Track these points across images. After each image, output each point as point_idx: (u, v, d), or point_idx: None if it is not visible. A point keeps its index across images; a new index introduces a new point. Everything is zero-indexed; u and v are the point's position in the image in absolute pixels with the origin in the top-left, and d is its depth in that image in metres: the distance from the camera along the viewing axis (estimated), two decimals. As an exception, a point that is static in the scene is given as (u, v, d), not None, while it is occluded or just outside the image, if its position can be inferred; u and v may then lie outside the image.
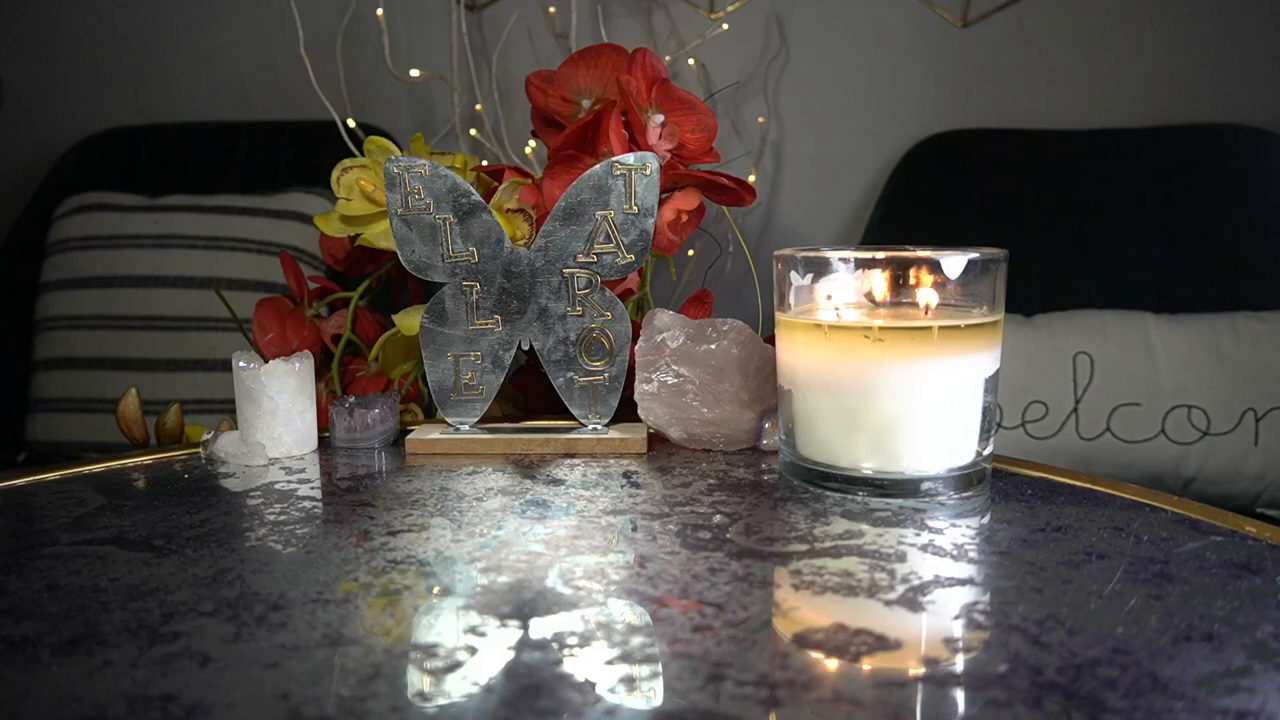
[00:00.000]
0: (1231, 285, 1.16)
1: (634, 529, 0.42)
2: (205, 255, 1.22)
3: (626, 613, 0.34)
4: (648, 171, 0.54)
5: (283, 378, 0.55)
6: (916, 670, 0.29)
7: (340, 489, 0.50)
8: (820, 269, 0.47)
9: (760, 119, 1.40)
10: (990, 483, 0.49)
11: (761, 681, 0.29)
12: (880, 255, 0.46)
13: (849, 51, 1.39)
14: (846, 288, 0.47)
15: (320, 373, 0.66)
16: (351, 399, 0.58)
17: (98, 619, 0.33)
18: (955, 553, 0.39)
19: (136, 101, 1.49)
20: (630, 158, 0.54)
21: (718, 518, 0.43)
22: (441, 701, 0.28)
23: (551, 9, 1.36)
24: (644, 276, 0.68)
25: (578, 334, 0.56)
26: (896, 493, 0.46)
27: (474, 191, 0.55)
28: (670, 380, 0.55)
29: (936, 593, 0.35)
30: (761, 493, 0.47)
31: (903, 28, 1.37)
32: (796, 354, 0.48)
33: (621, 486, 0.49)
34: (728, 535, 0.41)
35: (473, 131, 1.35)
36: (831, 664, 0.30)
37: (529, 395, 0.73)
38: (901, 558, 0.38)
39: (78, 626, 0.33)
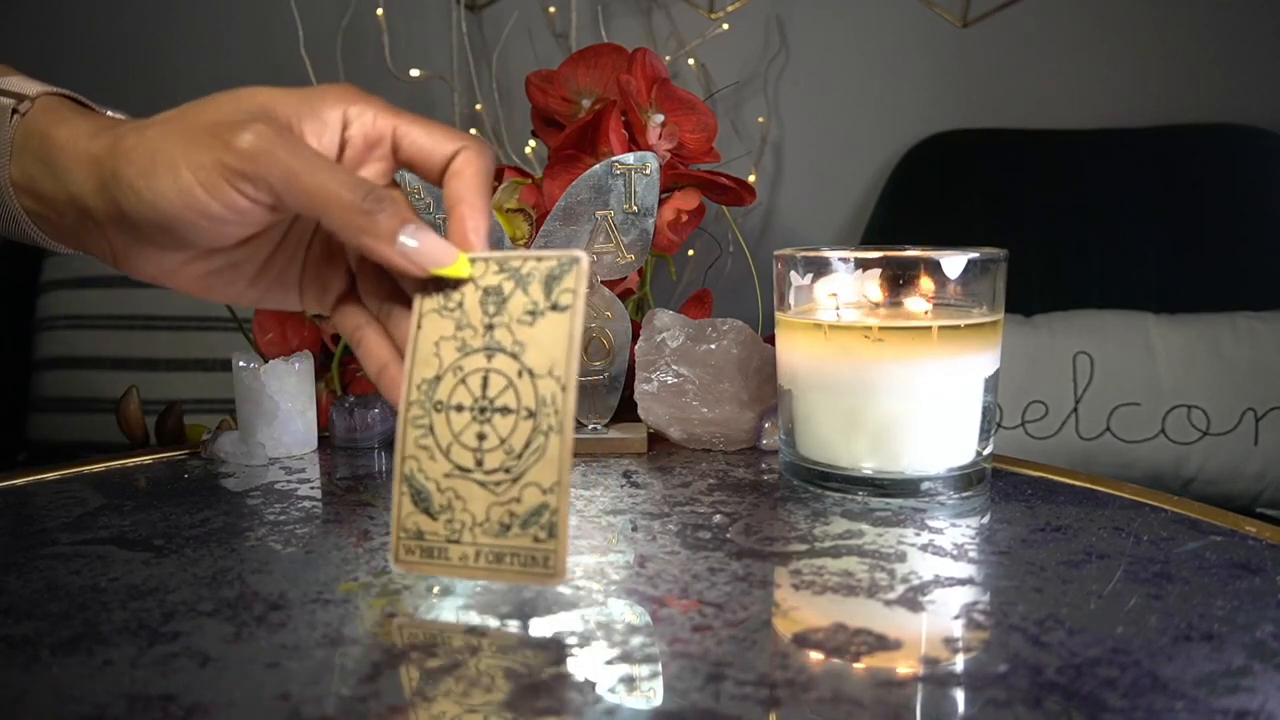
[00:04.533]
0: (1231, 285, 1.16)
1: (634, 529, 0.42)
2: (205, 255, 1.22)
3: (626, 613, 0.34)
4: (647, 171, 0.54)
5: (283, 378, 0.55)
6: (916, 670, 0.29)
7: (340, 489, 0.50)
8: (820, 269, 0.47)
9: (760, 119, 1.40)
10: (990, 483, 0.48)
11: (761, 681, 0.29)
12: (880, 255, 0.46)
13: (849, 51, 1.39)
14: (846, 287, 0.47)
15: (320, 373, 0.66)
16: (351, 399, 0.58)
17: (98, 619, 0.33)
18: (955, 553, 0.39)
19: (136, 101, 1.49)
20: (630, 157, 0.54)
21: (718, 517, 0.43)
22: (442, 702, 0.28)
23: (551, 9, 1.36)
24: (644, 276, 0.68)
25: (578, 334, 0.56)
26: (896, 493, 0.46)
27: (474, 191, 0.54)
28: (670, 380, 0.55)
29: (936, 593, 0.35)
30: (761, 493, 0.47)
31: (903, 28, 1.37)
32: (796, 354, 0.48)
33: (621, 486, 0.49)
34: (728, 535, 0.41)
35: (473, 131, 1.35)
36: (831, 664, 0.30)
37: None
38: (901, 558, 0.38)
39: (78, 626, 0.33)
